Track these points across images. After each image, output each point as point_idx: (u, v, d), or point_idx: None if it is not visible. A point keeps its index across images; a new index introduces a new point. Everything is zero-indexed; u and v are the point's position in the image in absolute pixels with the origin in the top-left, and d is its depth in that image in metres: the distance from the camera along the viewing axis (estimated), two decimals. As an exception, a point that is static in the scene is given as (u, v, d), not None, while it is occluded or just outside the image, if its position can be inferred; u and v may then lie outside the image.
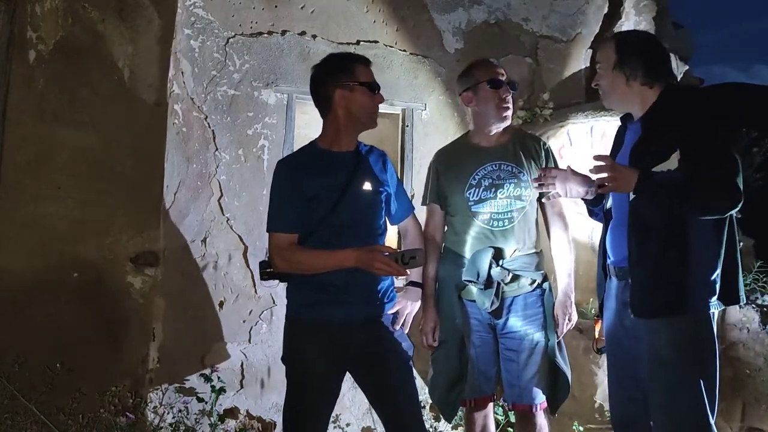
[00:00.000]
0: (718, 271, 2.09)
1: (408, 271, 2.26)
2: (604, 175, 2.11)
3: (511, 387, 2.66)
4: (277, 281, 2.39)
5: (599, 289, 2.42)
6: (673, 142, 2.08)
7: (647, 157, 2.12)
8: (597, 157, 2.15)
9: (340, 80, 2.28)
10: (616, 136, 2.43)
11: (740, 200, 2.04)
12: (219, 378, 3.43)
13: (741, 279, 2.15)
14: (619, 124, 2.43)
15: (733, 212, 2.08)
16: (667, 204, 2.06)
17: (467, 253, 2.66)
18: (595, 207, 2.47)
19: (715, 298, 2.09)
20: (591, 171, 2.17)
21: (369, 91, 2.29)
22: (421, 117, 3.93)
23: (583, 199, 2.44)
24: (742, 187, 2.04)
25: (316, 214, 2.24)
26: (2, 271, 2.87)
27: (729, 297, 2.12)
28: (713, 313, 2.10)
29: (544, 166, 2.70)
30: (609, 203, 2.35)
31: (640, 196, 2.08)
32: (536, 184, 2.53)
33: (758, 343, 3.41)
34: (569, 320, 2.68)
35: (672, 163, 2.07)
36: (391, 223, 2.49)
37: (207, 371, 3.45)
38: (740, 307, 3.42)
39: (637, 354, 2.20)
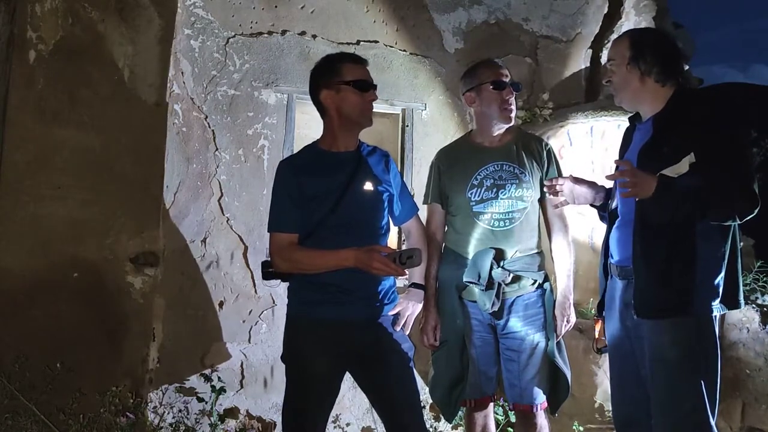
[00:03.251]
0: (722, 274, 2.09)
1: (406, 271, 2.26)
2: (626, 180, 2.06)
3: (511, 387, 2.66)
4: (278, 281, 2.40)
5: (600, 288, 2.42)
6: (685, 146, 2.06)
7: (657, 158, 2.10)
8: (618, 162, 2.13)
9: (327, 81, 2.28)
10: (624, 135, 2.42)
11: (758, 204, 2.03)
12: (219, 378, 3.43)
13: (741, 284, 2.15)
14: (620, 124, 2.43)
15: (750, 217, 2.07)
16: (688, 211, 2.04)
17: (468, 253, 2.66)
18: (604, 212, 2.46)
19: (718, 300, 2.09)
20: (611, 176, 2.15)
21: (357, 89, 2.27)
22: (421, 117, 3.93)
23: (592, 205, 2.43)
24: (758, 191, 2.03)
25: (316, 214, 2.24)
26: (2, 271, 2.86)
27: (730, 301, 2.11)
28: (715, 315, 2.10)
29: (546, 166, 2.71)
30: (615, 203, 2.34)
31: (660, 203, 2.04)
32: (547, 192, 2.51)
33: (758, 343, 3.41)
34: (567, 322, 2.69)
35: (682, 166, 2.04)
36: (394, 224, 2.49)
37: (207, 371, 3.46)
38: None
39: (638, 354, 2.20)
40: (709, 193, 2.01)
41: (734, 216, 2.05)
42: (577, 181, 2.35)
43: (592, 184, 2.34)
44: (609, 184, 2.46)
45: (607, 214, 2.43)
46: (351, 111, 2.28)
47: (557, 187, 2.38)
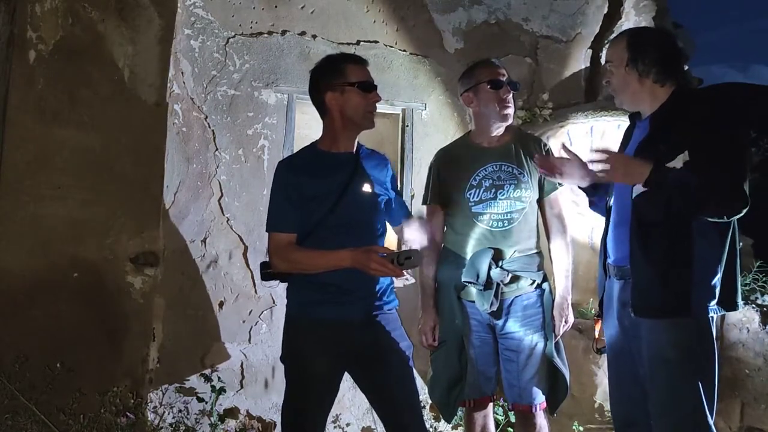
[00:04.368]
0: (719, 275, 2.09)
1: (404, 272, 2.25)
2: (599, 166, 2.14)
3: (510, 387, 2.66)
4: (277, 281, 2.40)
5: (599, 288, 2.42)
6: (681, 144, 2.06)
7: (653, 155, 2.10)
8: (595, 150, 2.17)
9: (331, 82, 2.27)
10: (624, 133, 2.42)
11: (748, 205, 2.03)
12: (219, 378, 3.43)
13: (739, 286, 2.15)
14: (620, 124, 2.43)
15: (738, 217, 2.07)
16: (679, 204, 2.04)
17: (467, 253, 2.66)
18: (593, 196, 2.46)
19: (714, 302, 2.09)
20: (590, 162, 2.19)
21: (361, 91, 2.27)
22: (421, 117, 3.94)
23: (581, 189, 2.45)
24: (748, 192, 2.03)
25: (315, 214, 2.24)
26: (2, 271, 2.86)
27: (728, 303, 2.12)
28: (712, 317, 2.10)
29: None
30: (611, 201, 2.34)
31: (652, 190, 2.04)
32: (540, 171, 2.52)
33: (758, 343, 3.41)
34: (565, 322, 2.69)
35: (677, 164, 2.05)
36: (392, 225, 2.48)
37: (207, 371, 3.46)
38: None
39: (636, 354, 2.20)
40: (700, 190, 2.01)
41: (722, 214, 2.04)
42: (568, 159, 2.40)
43: (582, 163, 2.37)
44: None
45: (597, 200, 2.43)
46: (354, 112, 2.28)
47: (548, 166, 2.43)
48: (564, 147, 2.41)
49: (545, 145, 2.79)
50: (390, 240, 2.64)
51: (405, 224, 2.33)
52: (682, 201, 2.03)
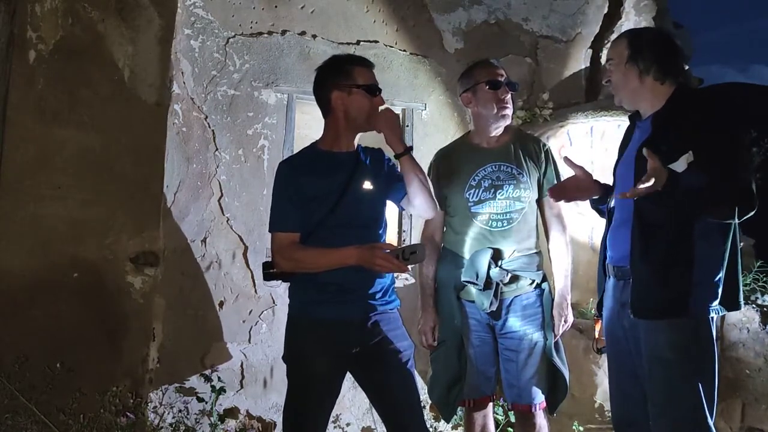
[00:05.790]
0: (721, 275, 2.08)
1: (409, 268, 2.25)
2: (650, 182, 1.92)
3: (510, 387, 2.66)
4: (279, 281, 2.40)
5: (598, 287, 2.41)
6: (684, 144, 2.05)
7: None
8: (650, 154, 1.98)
9: (338, 83, 2.29)
10: (624, 134, 2.41)
11: (756, 204, 2.02)
12: (219, 378, 3.43)
13: (741, 285, 2.14)
14: (620, 124, 2.42)
15: (748, 216, 2.05)
16: (685, 209, 2.03)
17: (466, 253, 2.66)
18: (602, 205, 2.44)
19: (716, 302, 2.08)
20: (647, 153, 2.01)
21: (367, 93, 2.29)
22: (421, 117, 3.94)
23: (593, 202, 2.42)
24: (755, 191, 2.02)
25: (316, 214, 2.25)
26: (2, 271, 2.86)
27: (730, 302, 2.11)
28: (713, 317, 2.09)
29: (544, 167, 2.71)
30: (612, 202, 2.34)
31: (664, 198, 1.99)
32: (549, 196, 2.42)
33: (758, 343, 3.41)
34: (565, 322, 2.69)
35: (680, 165, 2.03)
36: (398, 204, 2.43)
37: (207, 371, 3.46)
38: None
39: (636, 354, 2.20)
40: (707, 192, 2.00)
41: (732, 215, 2.03)
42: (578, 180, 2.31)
43: (595, 183, 2.33)
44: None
45: (604, 207, 2.42)
46: (358, 114, 2.29)
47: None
48: (567, 159, 2.33)
49: (544, 145, 2.79)
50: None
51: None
52: (689, 204, 2.02)
